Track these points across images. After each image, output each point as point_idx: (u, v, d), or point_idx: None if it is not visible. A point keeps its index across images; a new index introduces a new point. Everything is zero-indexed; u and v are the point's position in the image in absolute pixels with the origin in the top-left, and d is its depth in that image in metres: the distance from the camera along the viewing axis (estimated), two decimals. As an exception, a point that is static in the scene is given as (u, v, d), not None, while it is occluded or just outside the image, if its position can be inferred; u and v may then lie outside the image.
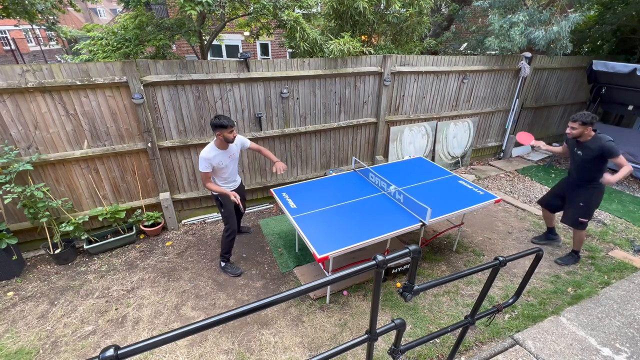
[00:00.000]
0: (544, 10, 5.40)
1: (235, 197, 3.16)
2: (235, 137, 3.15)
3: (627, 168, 3.10)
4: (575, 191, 3.49)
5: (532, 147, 3.77)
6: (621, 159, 3.13)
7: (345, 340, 1.91)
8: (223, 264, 3.60)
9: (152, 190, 4.20)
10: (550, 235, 4.11)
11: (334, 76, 4.61)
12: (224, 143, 3.14)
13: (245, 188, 4.71)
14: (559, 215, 3.91)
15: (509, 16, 5.43)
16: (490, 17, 5.78)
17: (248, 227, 4.37)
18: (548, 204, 3.87)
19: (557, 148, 3.78)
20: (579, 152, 3.37)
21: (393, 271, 3.46)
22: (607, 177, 3.10)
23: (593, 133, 3.24)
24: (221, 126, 3.01)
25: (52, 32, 6.91)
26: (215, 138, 3.13)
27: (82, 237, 3.75)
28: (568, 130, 3.32)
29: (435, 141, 5.92)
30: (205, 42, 5.90)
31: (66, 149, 3.59)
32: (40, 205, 3.45)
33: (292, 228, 4.32)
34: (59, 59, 18.26)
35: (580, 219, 3.47)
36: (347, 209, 3.42)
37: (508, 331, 2.89)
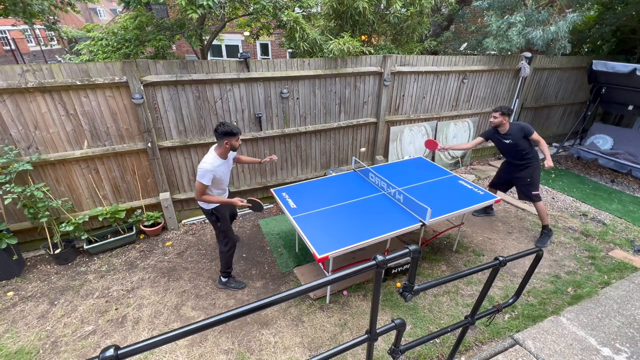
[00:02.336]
0: (543, 10, 5.40)
1: (242, 201, 2.96)
2: (240, 144, 2.98)
3: (543, 141, 3.79)
4: (520, 172, 4.01)
5: (440, 151, 4.45)
6: (536, 134, 3.80)
7: (345, 340, 1.90)
8: (224, 279, 3.36)
9: (152, 190, 4.20)
10: (488, 210, 4.76)
11: (334, 76, 4.61)
12: (227, 152, 2.93)
13: (245, 188, 4.73)
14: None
15: (507, 17, 5.43)
16: (486, 18, 5.79)
17: (237, 236, 4.11)
18: (499, 186, 4.39)
19: (462, 145, 4.37)
20: (506, 140, 3.91)
21: (393, 271, 3.46)
22: (548, 163, 3.79)
23: (508, 124, 3.86)
24: (231, 134, 2.81)
25: (53, 32, 6.92)
26: (218, 146, 2.91)
27: (82, 237, 3.75)
28: (491, 119, 3.89)
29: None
30: (205, 42, 5.90)
31: (66, 149, 3.59)
32: (40, 205, 3.45)
33: (292, 228, 4.32)
34: (59, 59, 18.27)
35: (533, 192, 3.98)
36: (347, 209, 3.42)
37: (508, 331, 2.89)
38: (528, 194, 4.00)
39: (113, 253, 3.89)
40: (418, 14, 5.68)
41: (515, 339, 2.76)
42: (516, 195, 4.42)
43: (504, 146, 3.97)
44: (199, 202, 3.03)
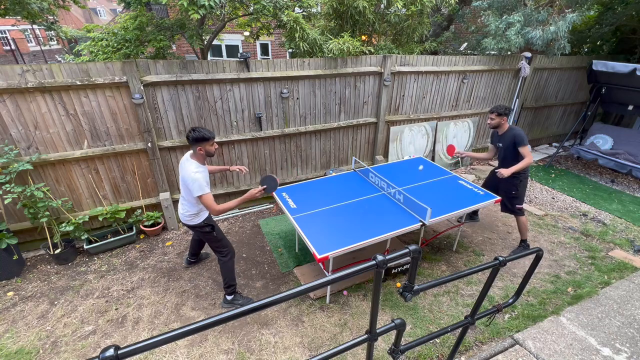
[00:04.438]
0: (542, 10, 5.41)
1: (259, 190, 2.69)
2: (216, 148, 2.76)
3: (527, 160, 3.47)
4: (506, 183, 3.72)
5: (458, 157, 4.06)
6: (526, 149, 3.49)
7: (345, 340, 1.91)
8: (230, 297, 3.09)
9: (152, 190, 4.20)
10: (474, 216, 4.61)
11: (334, 76, 4.61)
12: (204, 158, 2.72)
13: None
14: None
15: (505, 17, 5.44)
16: (483, 17, 5.78)
17: (207, 254, 3.83)
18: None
19: (480, 154, 4.10)
20: (500, 144, 3.73)
21: (393, 271, 3.46)
22: (501, 171, 3.46)
23: (507, 125, 3.66)
24: (203, 139, 2.59)
25: (52, 32, 6.92)
26: (193, 154, 2.69)
27: (82, 237, 3.75)
28: (488, 121, 3.70)
29: (435, 141, 5.92)
30: (205, 42, 5.90)
31: (66, 149, 3.59)
32: (40, 205, 3.45)
33: (292, 228, 4.32)
34: (59, 59, 18.27)
35: (517, 206, 3.76)
36: (347, 209, 3.42)
37: (508, 331, 2.89)
38: (512, 207, 3.77)
39: (113, 253, 3.89)
40: (418, 14, 5.68)
41: (515, 339, 2.76)
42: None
43: (498, 150, 3.81)
44: (187, 221, 2.84)
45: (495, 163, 4.13)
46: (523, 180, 3.69)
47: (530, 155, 3.51)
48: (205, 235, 2.99)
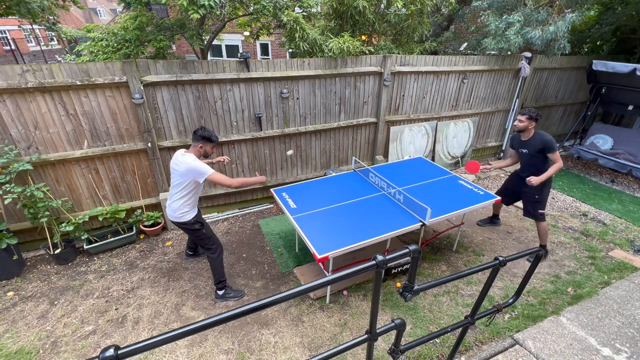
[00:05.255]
0: (542, 10, 5.41)
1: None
2: (213, 152, 3.03)
3: (558, 165, 3.41)
4: (530, 187, 3.57)
5: (486, 171, 3.99)
6: (557, 155, 3.41)
7: (345, 340, 1.91)
8: (221, 292, 3.21)
9: (152, 190, 4.20)
10: (494, 220, 4.52)
11: (334, 76, 4.61)
12: (199, 156, 2.90)
13: (245, 188, 4.73)
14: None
15: (505, 17, 5.44)
16: (483, 17, 5.78)
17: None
18: (503, 197, 3.97)
19: (503, 162, 3.99)
20: (525, 150, 3.61)
21: (393, 271, 3.46)
22: (531, 179, 3.38)
23: (533, 131, 3.54)
24: (209, 139, 2.84)
25: (53, 32, 6.93)
26: (192, 147, 2.87)
27: (82, 237, 3.75)
28: (516, 123, 3.58)
29: (435, 141, 5.92)
30: (205, 42, 5.90)
31: (66, 149, 3.59)
32: (40, 205, 3.45)
33: (292, 228, 4.32)
34: (59, 59, 18.27)
35: (539, 211, 3.68)
36: (347, 209, 3.42)
37: (508, 331, 2.89)
38: (534, 212, 3.68)
39: (113, 253, 3.89)
40: (418, 14, 5.68)
41: (515, 339, 2.76)
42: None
43: (522, 157, 3.69)
44: (177, 219, 2.93)
45: (505, 167, 4.08)
46: (547, 184, 3.58)
47: (560, 161, 3.42)
48: (195, 233, 3.05)
